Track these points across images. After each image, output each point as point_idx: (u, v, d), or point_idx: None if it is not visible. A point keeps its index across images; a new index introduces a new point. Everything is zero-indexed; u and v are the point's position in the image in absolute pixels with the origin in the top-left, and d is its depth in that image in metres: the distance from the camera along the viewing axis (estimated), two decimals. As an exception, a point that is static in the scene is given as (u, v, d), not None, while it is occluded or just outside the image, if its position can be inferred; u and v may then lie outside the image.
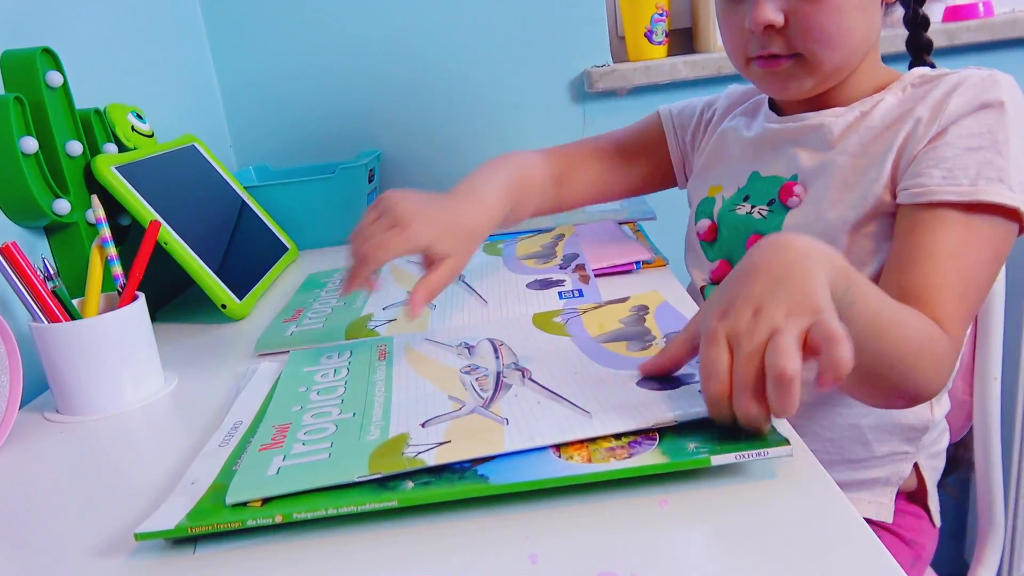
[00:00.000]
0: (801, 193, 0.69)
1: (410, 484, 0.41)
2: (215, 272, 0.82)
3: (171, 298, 0.94)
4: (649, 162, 0.88)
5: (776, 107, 0.77)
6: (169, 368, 0.68)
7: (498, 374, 0.55)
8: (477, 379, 0.55)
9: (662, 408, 0.44)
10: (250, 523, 0.40)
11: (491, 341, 0.61)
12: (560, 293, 0.72)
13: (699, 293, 0.80)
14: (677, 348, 0.49)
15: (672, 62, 1.20)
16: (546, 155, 0.85)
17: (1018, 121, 0.61)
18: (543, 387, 0.51)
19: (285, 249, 1.04)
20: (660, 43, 1.25)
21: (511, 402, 0.50)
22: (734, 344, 0.42)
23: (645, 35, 1.24)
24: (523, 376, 0.54)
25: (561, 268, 0.78)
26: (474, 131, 1.25)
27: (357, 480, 0.42)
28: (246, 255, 0.94)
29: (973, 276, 0.59)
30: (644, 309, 0.65)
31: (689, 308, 0.67)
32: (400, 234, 0.60)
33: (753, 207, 0.73)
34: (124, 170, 0.79)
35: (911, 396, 0.59)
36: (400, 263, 0.89)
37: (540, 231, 0.94)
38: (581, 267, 0.78)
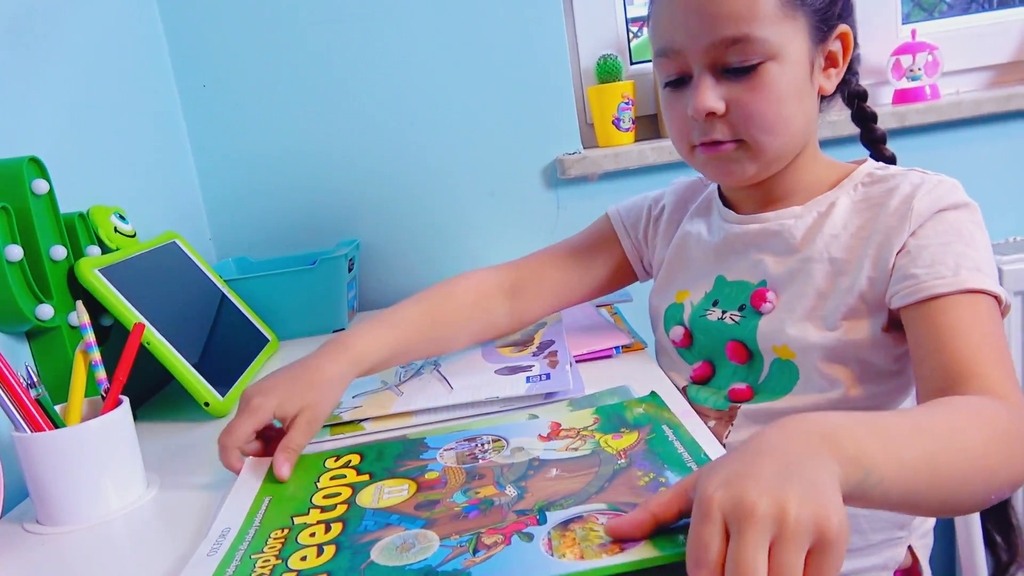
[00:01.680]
0: (773, 300, 0.71)
1: None
2: (197, 367, 0.82)
3: (152, 394, 0.94)
4: (606, 262, 0.87)
5: (729, 203, 0.78)
6: (151, 470, 0.68)
7: (420, 367, 0.82)
8: (404, 369, 0.82)
9: (503, 386, 0.71)
10: None
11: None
12: (528, 377, 0.73)
13: (682, 392, 0.78)
14: (661, 507, 0.42)
15: (640, 148, 1.24)
16: (498, 271, 0.86)
17: (976, 220, 0.65)
18: (440, 374, 0.78)
19: (266, 341, 1.04)
20: (627, 130, 1.30)
21: (414, 383, 0.77)
22: (731, 523, 0.37)
23: (613, 122, 1.29)
24: (434, 367, 0.81)
25: (534, 355, 0.80)
26: (451, 218, 1.28)
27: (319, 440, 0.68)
28: (227, 349, 0.94)
29: (999, 343, 0.60)
30: (543, 324, 0.90)
31: (662, 388, 0.69)
32: (242, 414, 0.63)
33: (724, 312, 0.74)
34: (107, 272, 0.80)
35: (1010, 483, 0.52)
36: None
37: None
38: (553, 353, 0.79)
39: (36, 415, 0.61)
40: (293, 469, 0.61)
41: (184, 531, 0.57)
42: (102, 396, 0.65)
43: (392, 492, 0.55)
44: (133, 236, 0.92)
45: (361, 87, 1.25)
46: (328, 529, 0.51)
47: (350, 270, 1.16)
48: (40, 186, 0.75)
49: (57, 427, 0.62)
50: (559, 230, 1.26)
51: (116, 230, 0.89)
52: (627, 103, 1.28)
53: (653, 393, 0.66)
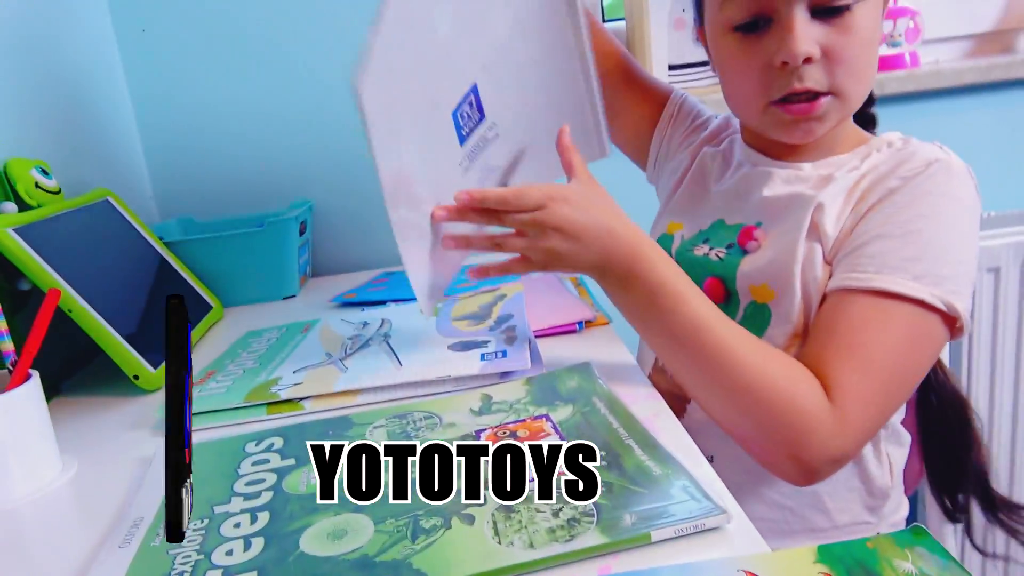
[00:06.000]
0: (761, 237, 0.67)
1: None
2: (129, 338, 0.75)
3: (81, 367, 0.87)
4: (640, 116, 0.84)
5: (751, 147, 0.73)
6: (68, 452, 0.62)
7: (369, 339, 0.75)
8: (352, 340, 0.76)
9: (456, 365, 0.65)
10: None
11: (382, 319, 0.82)
12: (483, 355, 0.68)
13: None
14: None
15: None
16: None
17: (954, 212, 0.59)
18: (389, 346, 0.72)
19: (209, 308, 0.98)
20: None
21: (361, 357, 0.70)
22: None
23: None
24: (383, 339, 0.74)
25: (491, 330, 0.74)
26: (410, 180, 1.22)
27: (233, 407, 0.63)
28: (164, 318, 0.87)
29: (877, 355, 0.56)
30: (502, 297, 0.84)
31: (625, 366, 0.65)
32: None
33: (711, 249, 0.71)
34: (25, 231, 0.73)
35: (777, 446, 0.57)
36: (333, 324, 0.84)
37: (482, 290, 0.91)
38: (511, 328, 0.74)
39: (-71, 392, 0.54)
40: (209, 456, 0.56)
41: (101, 518, 0.51)
42: (9, 370, 0.59)
43: None
44: (57, 193, 0.84)
45: (315, 36, 1.16)
46: (254, 519, 0.46)
47: (302, 233, 1.09)
48: (-57, 134, 0.68)
49: (-45, 405, 0.55)
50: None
51: (37, 186, 0.81)
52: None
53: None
